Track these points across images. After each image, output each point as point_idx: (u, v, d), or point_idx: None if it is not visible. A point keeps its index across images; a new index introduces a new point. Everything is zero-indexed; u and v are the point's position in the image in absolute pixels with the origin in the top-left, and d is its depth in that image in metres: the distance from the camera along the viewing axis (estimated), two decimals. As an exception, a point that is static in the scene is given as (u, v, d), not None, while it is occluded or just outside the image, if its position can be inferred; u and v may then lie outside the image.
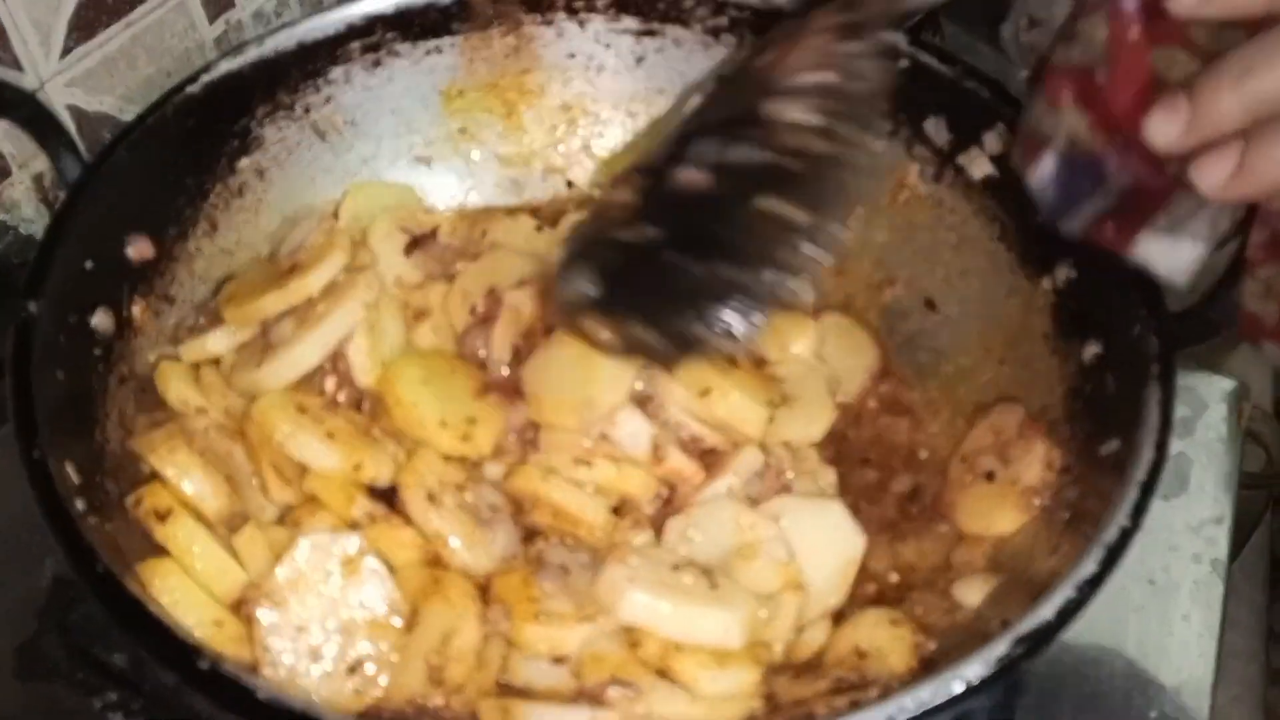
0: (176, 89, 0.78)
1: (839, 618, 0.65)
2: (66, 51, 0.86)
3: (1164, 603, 0.77)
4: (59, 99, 0.87)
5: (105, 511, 0.61)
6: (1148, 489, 0.55)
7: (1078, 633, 0.70)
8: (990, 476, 0.69)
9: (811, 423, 0.77)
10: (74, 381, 0.65)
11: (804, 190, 0.63)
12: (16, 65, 0.82)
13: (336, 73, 0.88)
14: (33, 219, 0.89)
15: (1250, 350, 0.65)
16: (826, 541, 0.68)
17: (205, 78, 0.79)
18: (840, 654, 0.62)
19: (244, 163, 0.85)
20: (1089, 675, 0.72)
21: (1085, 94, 0.58)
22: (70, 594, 0.74)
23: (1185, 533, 0.81)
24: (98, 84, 0.90)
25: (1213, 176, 0.51)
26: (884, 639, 0.62)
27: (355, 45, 0.87)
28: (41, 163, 0.88)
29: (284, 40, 0.84)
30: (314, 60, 0.86)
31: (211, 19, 1.00)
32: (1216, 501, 0.83)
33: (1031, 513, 0.66)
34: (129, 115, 0.93)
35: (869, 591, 0.69)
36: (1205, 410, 0.89)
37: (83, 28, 0.87)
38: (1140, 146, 0.54)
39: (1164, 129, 0.53)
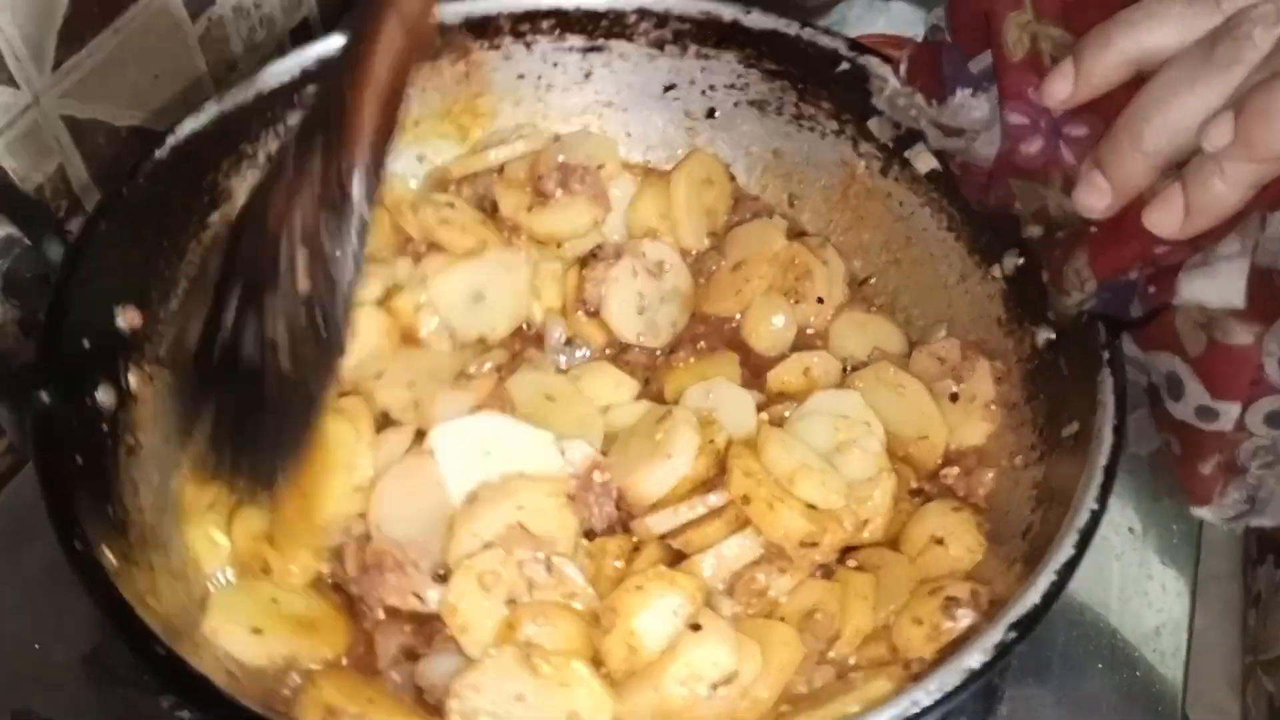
0: (145, 156, 0.79)
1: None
2: (58, 64, 0.88)
3: (1142, 547, 0.85)
4: (54, 110, 0.89)
5: (144, 583, 0.64)
6: (1110, 471, 0.61)
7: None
8: (954, 398, 0.79)
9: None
10: (91, 462, 0.67)
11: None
12: (12, 82, 0.84)
13: (295, 117, 0.89)
14: (39, 231, 0.90)
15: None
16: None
17: (171, 141, 0.81)
18: (919, 545, 0.72)
19: (214, 217, 0.86)
20: (1077, 622, 0.80)
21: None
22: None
23: (1162, 479, 0.86)
24: (90, 92, 0.92)
25: (1165, 223, 0.57)
26: (953, 525, 0.72)
27: (311, 89, 0.89)
28: (40, 175, 0.89)
29: (242, 93, 0.85)
30: (272, 108, 0.87)
31: (194, 17, 1.02)
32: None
33: (997, 421, 0.77)
34: (121, 121, 0.96)
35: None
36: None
37: (72, 39, 0.88)
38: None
39: (1056, 89, 0.62)
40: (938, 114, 0.71)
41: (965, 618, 0.63)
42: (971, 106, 0.69)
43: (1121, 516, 0.86)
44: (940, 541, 0.72)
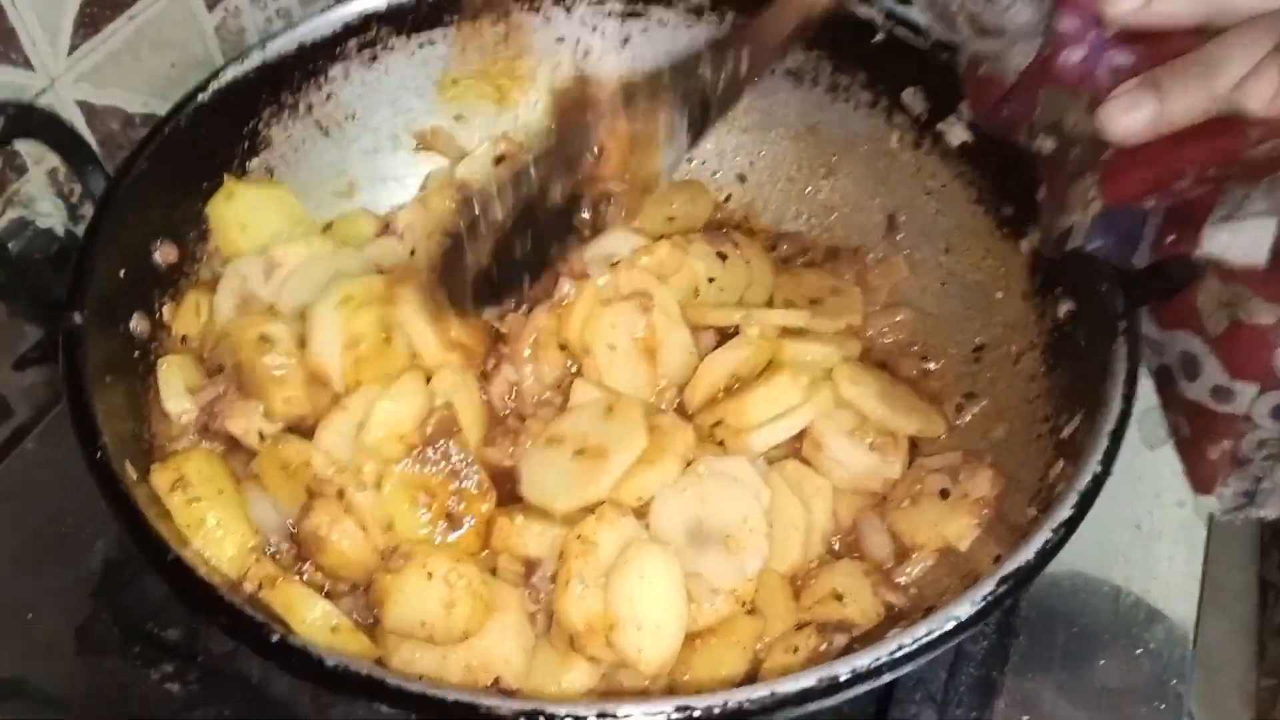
0: (188, 98, 0.82)
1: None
2: (74, 48, 0.89)
3: (1148, 546, 0.82)
4: (69, 95, 0.90)
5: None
6: (1117, 437, 0.60)
7: (1067, 576, 0.77)
8: (944, 494, 0.74)
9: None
10: (121, 385, 0.70)
11: None
12: (28, 65, 0.85)
13: (336, 70, 0.91)
14: (50, 213, 0.92)
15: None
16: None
17: (214, 85, 0.83)
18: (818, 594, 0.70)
19: (254, 163, 0.89)
20: (1077, 617, 0.77)
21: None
22: (122, 576, 0.79)
23: (1170, 479, 0.84)
24: (105, 78, 0.93)
25: (1125, 123, 0.55)
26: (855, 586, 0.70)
27: (352, 43, 0.91)
28: (55, 159, 0.90)
29: (285, 43, 0.87)
30: (314, 60, 0.90)
31: (210, 6, 1.03)
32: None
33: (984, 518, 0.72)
34: (136, 107, 0.97)
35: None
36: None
37: (88, 24, 0.90)
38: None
39: (1125, 121, 0.56)
40: (981, 8, 0.68)
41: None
42: (1019, 8, 0.67)
43: (1130, 511, 0.84)
44: (839, 598, 0.71)
